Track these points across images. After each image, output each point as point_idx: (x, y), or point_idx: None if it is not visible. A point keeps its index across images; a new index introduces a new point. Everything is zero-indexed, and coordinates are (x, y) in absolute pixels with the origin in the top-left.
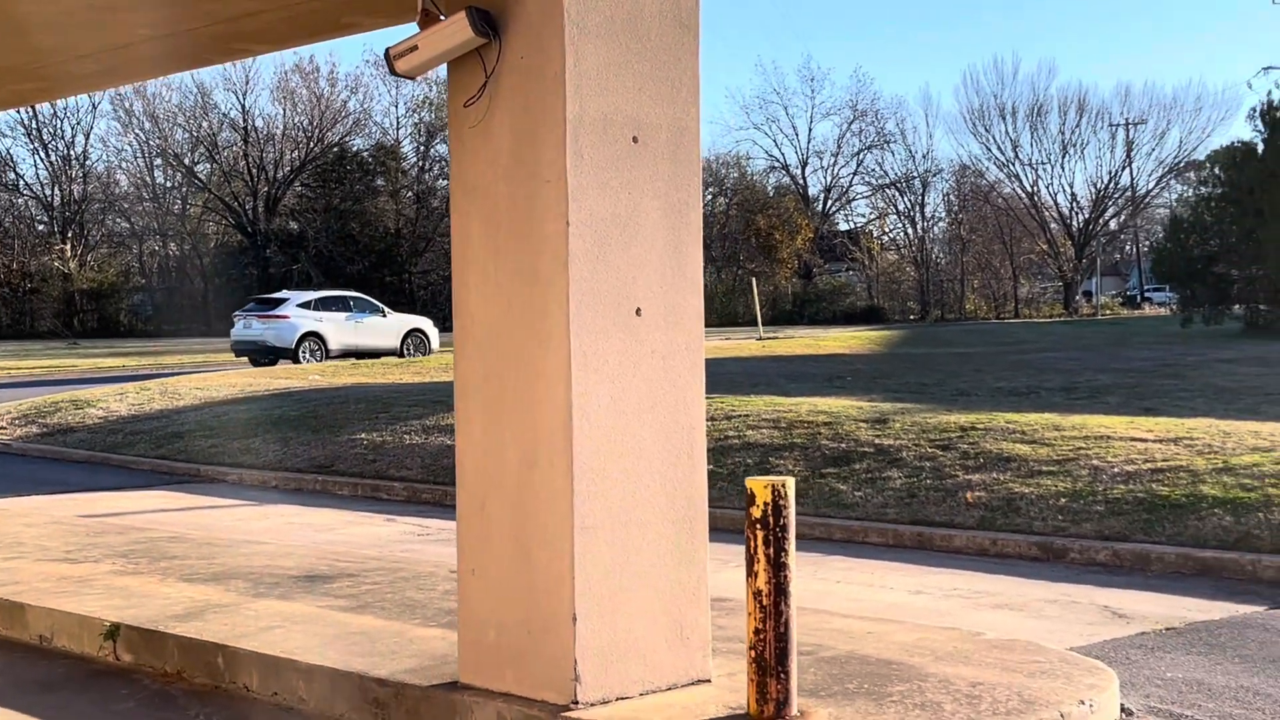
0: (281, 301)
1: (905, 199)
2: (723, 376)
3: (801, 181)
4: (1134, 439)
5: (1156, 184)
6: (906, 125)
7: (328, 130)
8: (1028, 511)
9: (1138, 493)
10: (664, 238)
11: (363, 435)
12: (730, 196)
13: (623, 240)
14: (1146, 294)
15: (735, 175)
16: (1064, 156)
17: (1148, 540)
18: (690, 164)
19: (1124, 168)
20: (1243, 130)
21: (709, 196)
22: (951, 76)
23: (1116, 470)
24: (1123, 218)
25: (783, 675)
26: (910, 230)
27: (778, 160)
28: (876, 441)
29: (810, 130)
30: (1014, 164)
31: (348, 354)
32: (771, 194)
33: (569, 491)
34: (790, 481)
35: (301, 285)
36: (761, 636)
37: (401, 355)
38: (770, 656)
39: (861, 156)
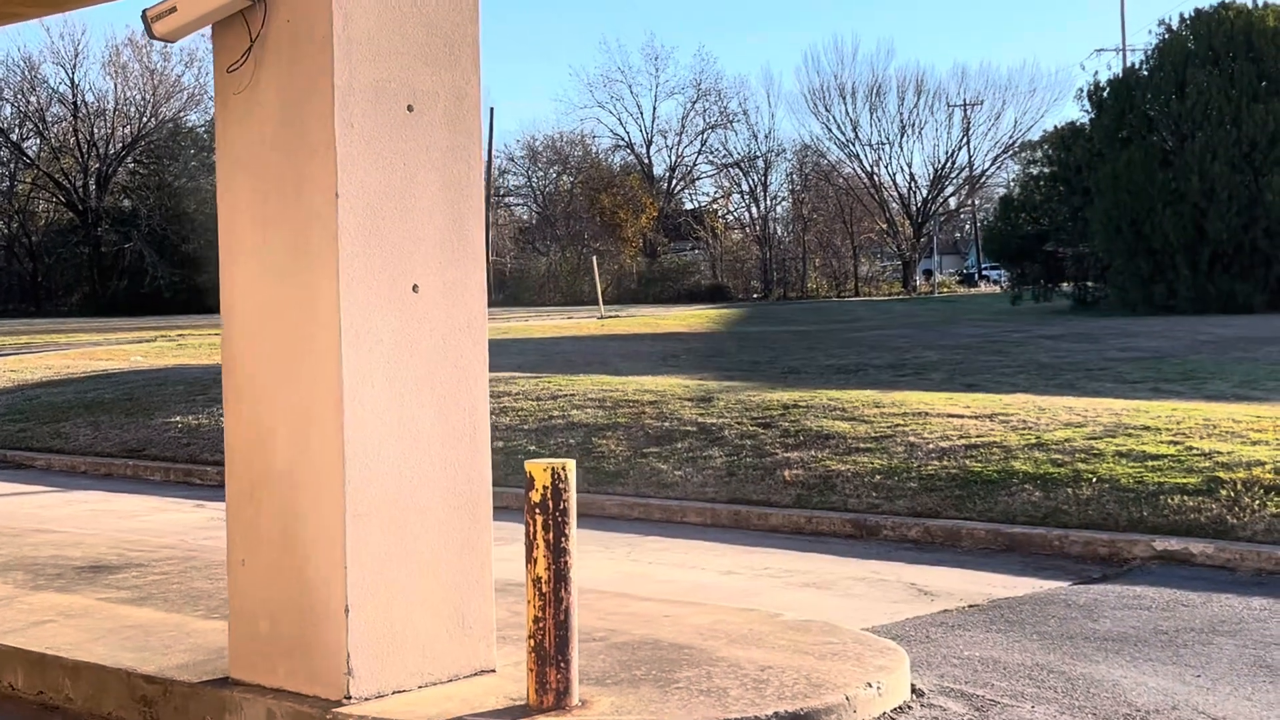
0: None
1: (749, 178)
2: (557, 355)
3: (646, 160)
4: (951, 415)
5: (993, 164)
6: (749, 105)
7: (161, 105)
8: (844, 489)
9: (951, 469)
10: (443, 211)
11: (178, 418)
12: (575, 175)
13: (398, 213)
14: (984, 272)
15: (580, 153)
16: (902, 136)
17: (959, 517)
18: (471, 134)
19: (960, 148)
20: (1075, 111)
21: (553, 175)
22: (792, 57)
23: (932, 447)
24: (961, 197)
25: (563, 664)
26: (754, 209)
27: (622, 139)
28: (700, 420)
29: (655, 109)
30: (854, 144)
31: None
32: (616, 172)
33: (340, 477)
34: (571, 464)
35: (135, 265)
36: (541, 625)
37: None
38: (550, 645)
39: (705, 136)
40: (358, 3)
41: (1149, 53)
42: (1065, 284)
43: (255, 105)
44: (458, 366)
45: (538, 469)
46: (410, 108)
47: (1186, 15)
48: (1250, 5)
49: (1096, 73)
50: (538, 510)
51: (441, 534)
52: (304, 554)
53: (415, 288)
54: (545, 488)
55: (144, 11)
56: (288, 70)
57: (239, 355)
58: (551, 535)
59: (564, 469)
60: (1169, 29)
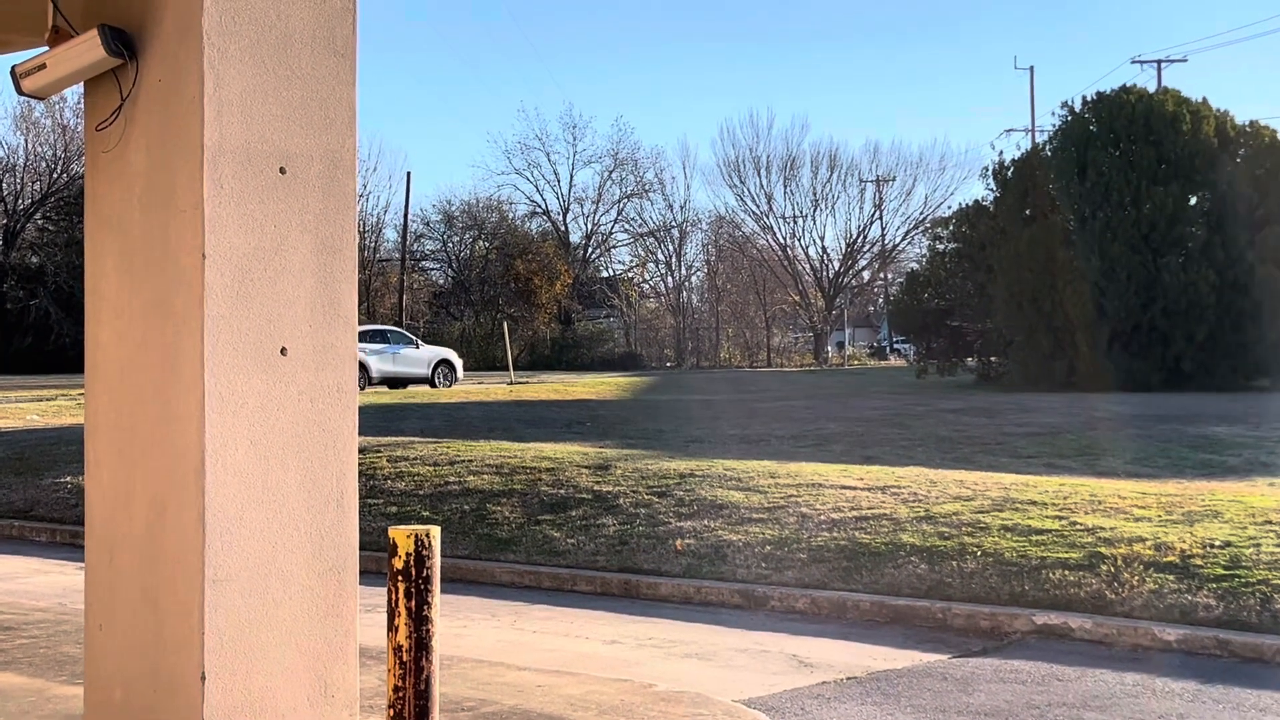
0: None
1: (664, 248)
2: (461, 421)
3: (563, 227)
4: (844, 487)
5: (904, 238)
6: (665, 175)
7: (73, 162)
8: (734, 559)
9: (840, 540)
10: (315, 274)
11: (68, 479)
12: (491, 240)
13: (267, 276)
14: (895, 345)
15: (496, 219)
16: (816, 210)
17: (845, 588)
18: (344, 197)
19: (872, 222)
20: (982, 189)
21: (469, 239)
22: (709, 129)
23: (823, 518)
24: (873, 270)
25: None
26: (669, 279)
27: (539, 206)
28: (596, 488)
29: (572, 177)
30: (768, 216)
31: (386, 381)
32: (533, 239)
33: (200, 541)
34: (435, 531)
35: (40, 322)
36: (401, 694)
37: (433, 384)
38: (409, 715)
39: (622, 205)
40: (230, 64)
41: (1052, 134)
42: (970, 359)
43: (124, 164)
44: (326, 430)
45: (401, 535)
46: (283, 170)
47: (1089, 97)
48: (1150, 90)
49: (1002, 152)
50: (400, 577)
51: (305, 600)
52: (161, 620)
53: (284, 351)
54: (408, 554)
55: (13, 68)
56: (158, 130)
57: (102, 415)
58: (414, 603)
59: (428, 535)
60: (1072, 111)
